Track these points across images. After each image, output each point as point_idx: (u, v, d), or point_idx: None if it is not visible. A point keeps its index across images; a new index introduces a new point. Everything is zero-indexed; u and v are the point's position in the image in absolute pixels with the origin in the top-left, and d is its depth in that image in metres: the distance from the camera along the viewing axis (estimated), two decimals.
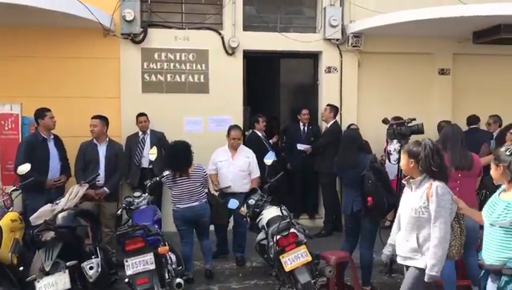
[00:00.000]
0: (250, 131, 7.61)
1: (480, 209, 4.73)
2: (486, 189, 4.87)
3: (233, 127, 6.20)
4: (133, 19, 7.06)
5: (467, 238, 4.58)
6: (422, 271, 3.51)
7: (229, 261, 6.02)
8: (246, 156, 6.04)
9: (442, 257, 3.49)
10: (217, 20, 7.59)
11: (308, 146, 7.48)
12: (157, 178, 5.34)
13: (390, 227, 5.75)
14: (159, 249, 4.27)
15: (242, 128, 7.60)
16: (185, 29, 7.52)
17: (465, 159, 4.55)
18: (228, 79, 7.50)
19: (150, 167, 6.42)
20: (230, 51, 7.49)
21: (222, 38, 7.49)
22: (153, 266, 4.17)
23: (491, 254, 3.25)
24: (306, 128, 7.75)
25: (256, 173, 6.05)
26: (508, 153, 3.21)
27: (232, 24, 7.48)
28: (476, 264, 4.62)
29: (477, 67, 8.23)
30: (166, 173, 5.29)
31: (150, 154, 5.60)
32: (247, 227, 5.56)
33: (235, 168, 5.96)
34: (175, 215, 5.39)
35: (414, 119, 5.65)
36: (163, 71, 7.40)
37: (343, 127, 7.65)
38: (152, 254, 4.22)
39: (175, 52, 7.41)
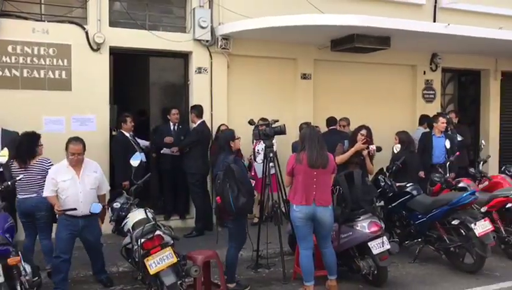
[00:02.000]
0: (118, 131, 7.35)
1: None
2: (339, 185, 5.28)
3: (73, 139, 4.98)
4: None
5: (323, 231, 5.00)
6: None
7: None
8: (94, 171, 5.11)
9: None
10: (81, 14, 7.19)
11: (169, 150, 7.45)
12: (9, 182, 4.90)
13: (257, 224, 6.04)
14: (9, 260, 3.92)
15: (108, 127, 7.37)
16: (44, 21, 6.99)
17: (321, 158, 4.89)
18: (93, 76, 7.15)
19: (1, 170, 5.85)
20: (95, 47, 7.14)
21: (86, 33, 7.11)
22: (1, 279, 3.82)
23: None
24: (176, 128, 7.71)
25: (106, 189, 5.34)
26: None
27: (98, 19, 7.14)
28: (331, 255, 5.06)
29: (335, 73, 8.93)
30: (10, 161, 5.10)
31: (0, 156, 5.12)
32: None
33: (85, 187, 4.95)
34: (16, 206, 5.25)
35: (277, 121, 5.94)
36: (19, 66, 6.80)
37: (214, 127, 7.78)
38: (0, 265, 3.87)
39: (32, 45, 6.86)
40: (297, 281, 5.41)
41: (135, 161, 5.27)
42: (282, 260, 5.62)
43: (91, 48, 7.14)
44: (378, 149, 6.33)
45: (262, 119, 6.97)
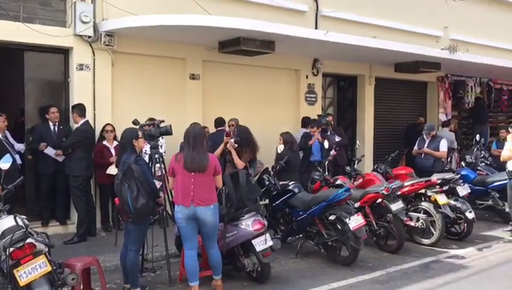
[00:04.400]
0: None
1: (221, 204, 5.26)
2: (224, 185, 5.35)
3: None
4: None
5: (206, 230, 5.02)
6: None
7: None
8: None
9: None
10: None
11: (57, 151, 7.02)
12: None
13: (159, 225, 5.86)
14: None
15: None
16: None
17: (196, 162, 4.86)
18: None
19: None
20: None
21: None
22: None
23: None
24: (57, 128, 7.26)
25: None
26: None
27: None
28: (217, 256, 5.11)
29: (223, 74, 9.05)
30: None
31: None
32: None
33: None
34: None
35: (163, 121, 5.86)
36: None
37: (98, 127, 7.45)
38: None
39: None
40: (183, 283, 5.39)
41: (5, 163, 4.84)
42: (168, 262, 5.56)
43: None
44: (236, 141, 6.42)
45: (150, 119, 6.81)
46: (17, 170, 6.39)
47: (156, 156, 5.74)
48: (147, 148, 7.22)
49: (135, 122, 5.70)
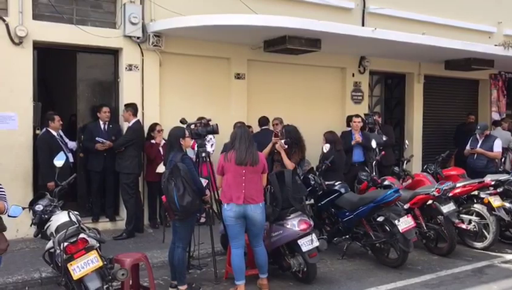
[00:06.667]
0: (44, 130, 6.99)
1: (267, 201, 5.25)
2: (270, 184, 5.34)
3: None
4: None
5: (254, 229, 5.03)
6: None
7: (14, 275, 5.43)
8: None
9: None
10: (0, 5, 6.76)
11: (107, 141, 7.20)
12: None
13: (205, 223, 5.94)
14: None
15: (31, 126, 6.99)
16: None
17: (249, 155, 4.91)
18: (14, 71, 6.75)
19: None
20: (17, 41, 6.75)
21: (7, 25, 6.70)
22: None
23: None
24: (107, 126, 7.46)
25: None
26: None
27: (19, 11, 6.74)
28: (263, 254, 5.11)
29: (268, 73, 9.02)
30: None
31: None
32: None
33: None
34: None
35: (210, 120, 5.91)
36: None
37: (146, 126, 7.61)
38: None
39: None
40: (229, 281, 5.42)
41: (59, 161, 5.02)
42: (214, 260, 5.60)
43: (12, 41, 6.74)
44: (286, 142, 6.34)
45: (199, 118, 6.89)
46: (69, 167, 6.64)
47: (203, 154, 5.78)
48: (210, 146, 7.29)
49: (183, 121, 5.77)
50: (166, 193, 4.80)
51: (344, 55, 9.65)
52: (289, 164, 6.24)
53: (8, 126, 6.69)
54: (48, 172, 6.32)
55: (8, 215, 4.41)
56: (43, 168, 6.65)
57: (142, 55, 7.72)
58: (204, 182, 5.23)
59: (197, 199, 4.87)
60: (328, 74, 9.81)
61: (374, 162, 7.47)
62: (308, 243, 5.21)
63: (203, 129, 5.76)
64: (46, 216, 4.64)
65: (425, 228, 6.52)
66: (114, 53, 7.76)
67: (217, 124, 5.86)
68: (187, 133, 5.20)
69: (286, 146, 6.28)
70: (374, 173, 7.22)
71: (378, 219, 5.99)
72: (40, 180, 6.77)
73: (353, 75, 10.03)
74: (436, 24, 10.34)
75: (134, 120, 7.28)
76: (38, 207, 4.72)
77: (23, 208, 4.62)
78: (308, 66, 9.24)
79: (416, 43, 8.61)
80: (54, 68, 8.87)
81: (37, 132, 7.08)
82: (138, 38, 7.60)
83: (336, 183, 6.59)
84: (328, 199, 6.50)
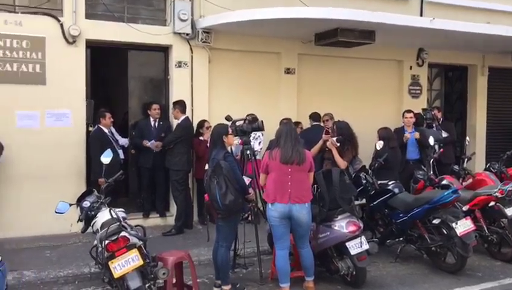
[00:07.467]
0: (96, 127, 7.16)
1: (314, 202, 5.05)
2: (316, 183, 5.14)
3: None
4: None
5: (300, 229, 4.84)
6: None
7: (65, 269, 5.57)
8: None
9: None
10: (55, 5, 6.97)
11: (156, 142, 7.25)
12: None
13: (251, 222, 5.85)
14: None
15: (84, 123, 7.17)
16: (17, 13, 6.77)
17: (295, 153, 4.73)
18: (68, 70, 6.94)
19: None
20: (70, 40, 6.94)
21: (61, 25, 6.89)
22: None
23: None
24: (157, 123, 7.53)
25: None
26: None
27: (73, 11, 6.92)
28: (309, 256, 4.92)
29: (319, 68, 8.76)
30: None
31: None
32: None
33: None
34: None
35: (255, 117, 5.79)
36: None
37: (195, 123, 7.60)
38: None
39: (4, 38, 6.63)
40: (274, 282, 5.25)
41: (106, 158, 5.07)
42: (259, 260, 5.47)
43: (66, 40, 6.94)
44: (339, 140, 6.11)
45: (249, 114, 6.80)
46: (118, 163, 6.73)
47: (248, 152, 5.66)
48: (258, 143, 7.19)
49: (228, 118, 5.69)
50: (208, 191, 4.73)
51: (400, 47, 9.20)
52: (341, 163, 6.00)
53: (63, 123, 6.90)
54: (100, 168, 6.42)
55: (56, 212, 4.50)
56: (95, 164, 6.78)
57: (192, 52, 7.71)
58: (247, 180, 5.10)
59: (240, 197, 4.76)
60: (383, 67, 9.40)
61: (432, 160, 7.02)
62: (357, 246, 4.96)
63: (248, 126, 5.64)
64: (92, 213, 4.70)
65: (487, 232, 6.06)
66: (164, 50, 7.81)
67: (262, 121, 5.73)
68: (230, 130, 5.08)
69: (338, 144, 6.04)
70: (431, 172, 6.79)
71: (433, 221, 5.63)
72: (92, 176, 6.93)
73: (411, 68, 9.57)
74: (501, 12, 9.70)
75: (183, 117, 7.28)
76: (85, 204, 4.80)
77: (71, 205, 4.71)
78: (361, 60, 8.88)
79: (480, 32, 8.03)
80: (109, 66, 9.07)
81: (90, 128, 7.25)
82: (187, 34, 7.59)
83: (390, 183, 6.25)
84: (381, 199, 6.19)
